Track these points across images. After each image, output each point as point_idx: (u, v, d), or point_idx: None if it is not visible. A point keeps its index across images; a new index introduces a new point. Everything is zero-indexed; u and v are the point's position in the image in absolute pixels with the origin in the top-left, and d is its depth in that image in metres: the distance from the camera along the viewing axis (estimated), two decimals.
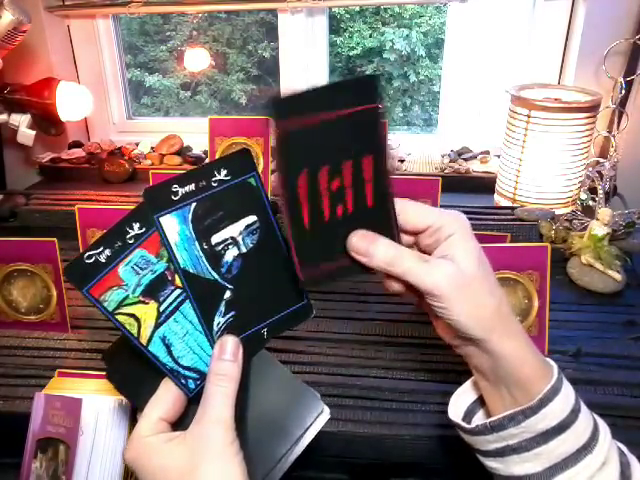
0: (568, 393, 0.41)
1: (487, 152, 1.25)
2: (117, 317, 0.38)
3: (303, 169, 0.37)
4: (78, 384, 0.57)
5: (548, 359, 0.43)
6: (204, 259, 0.39)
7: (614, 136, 1.04)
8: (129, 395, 0.43)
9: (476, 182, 1.16)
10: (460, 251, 0.40)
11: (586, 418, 0.41)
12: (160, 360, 0.39)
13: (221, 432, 0.37)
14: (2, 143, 1.19)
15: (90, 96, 1.16)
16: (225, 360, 0.39)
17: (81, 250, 0.81)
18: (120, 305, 0.38)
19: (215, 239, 0.39)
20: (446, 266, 0.39)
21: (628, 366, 0.66)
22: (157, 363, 0.39)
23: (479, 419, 0.46)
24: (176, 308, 0.39)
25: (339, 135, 0.37)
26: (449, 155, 1.24)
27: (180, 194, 0.38)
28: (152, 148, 1.32)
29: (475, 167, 1.19)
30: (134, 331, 0.38)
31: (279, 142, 0.36)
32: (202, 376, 0.40)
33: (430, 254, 0.41)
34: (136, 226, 0.38)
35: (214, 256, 0.40)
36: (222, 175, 0.39)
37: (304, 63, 1.30)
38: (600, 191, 0.90)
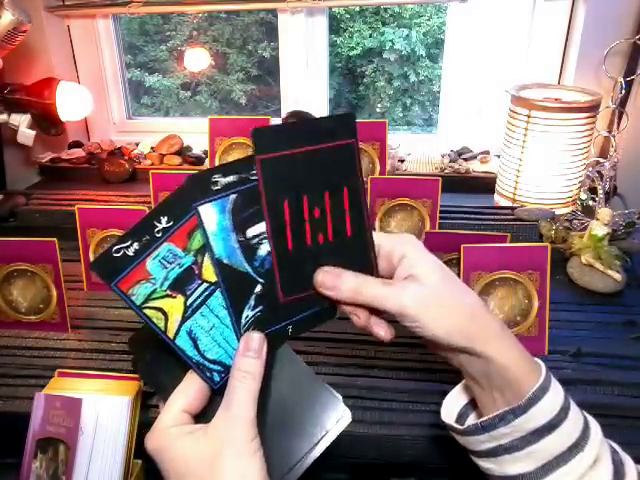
0: (557, 392, 0.42)
1: (487, 152, 1.25)
2: (145, 311, 0.38)
3: (285, 197, 0.39)
4: (78, 384, 0.57)
5: (536, 359, 0.43)
6: (240, 251, 0.40)
7: (614, 136, 1.04)
8: (153, 384, 0.43)
9: (476, 182, 1.16)
10: (418, 269, 0.41)
11: (576, 416, 0.42)
12: (186, 354, 0.39)
13: (243, 429, 0.37)
14: (2, 143, 1.19)
15: (90, 96, 1.16)
16: (249, 357, 0.39)
17: (81, 250, 0.81)
18: (148, 299, 0.38)
19: (250, 232, 0.40)
20: (410, 286, 0.40)
21: (628, 366, 0.66)
22: (183, 357, 0.39)
23: (472, 421, 0.47)
24: (203, 302, 0.39)
25: (318, 167, 0.40)
26: (449, 155, 1.24)
27: (221, 184, 0.38)
28: (152, 148, 1.32)
29: (475, 167, 1.19)
30: (161, 325, 0.38)
31: (260, 173, 0.38)
32: (227, 369, 0.40)
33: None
34: (164, 220, 0.38)
35: (249, 249, 0.40)
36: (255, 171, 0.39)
37: (304, 63, 1.30)
38: (600, 191, 0.90)
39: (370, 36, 2.58)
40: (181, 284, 0.39)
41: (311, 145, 0.39)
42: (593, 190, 0.96)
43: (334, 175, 0.40)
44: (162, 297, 0.38)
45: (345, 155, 0.40)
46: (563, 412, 0.41)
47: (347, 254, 0.42)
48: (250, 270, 0.40)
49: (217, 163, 0.97)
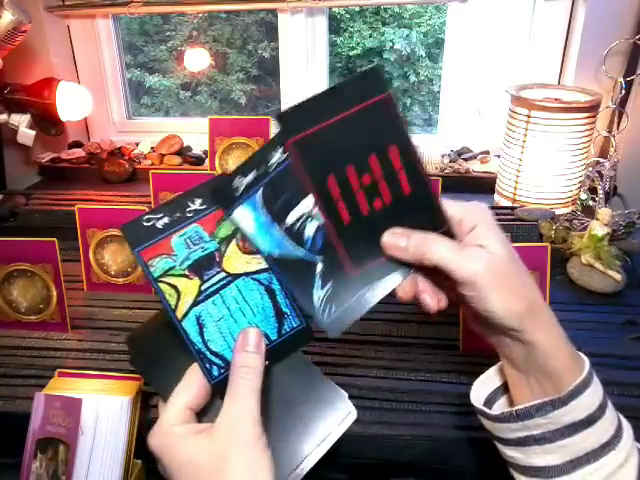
0: (597, 388, 0.41)
1: (487, 152, 1.25)
2: (160, 284, 0.38)
3: (329, 173, 0.38)
4: (78, 384, 0.57)
5: (580, 353, 0.42)
6: (287, 239, 0.39)
7: (614, 136, 1.04)
8: (152, 381, 0.43)
9: (476, 182, 1.16)
10: (490, 240, 0.39)
11: (612, 415, 0.41)
12: (190, 338, 0.39)
13: (248, 426, 0.37)
14: (2, 143, 1.19)
15: (90, 96, 1.16)
16: (249, 352, 0.39)
17: (81, 249, 0.81)
18: (165, 274, 0.38)
19: (291, 218, 0.39)
20: (482, 253, 0.38)
21: (628, 366, 0.66)
22: (186, 341, 0.39)
23: (500, 406, 0.46)
24: (217, 291, 0.40)
25: (355, 133, 0.37)
26: (449, 155, 1.24)
27: (244, 185, 0.39)
28: (152, 148, 1.32)
29: (475, 167, 1.19)
30: (172, 302, 0.39)
31: (297, 157, 0.37)
32: (227, 365, 0.40)
33: None
34: (198, 201, 0.39)
35: (295, 234, 0.39)
36: (277, 157, 0.38)
37: (304, 63, 1.30)
38: (600, 191, 0.90)
39: (370, 36, 2.58)
40: (200, 267, 0.39)
41: (342, 112, 0.37)
42: (593, 190, 0.96)
43: (375, 136, 0.38)
44: (179, 275, 0.39)
45: (381, 112, 0.37)
46: (601, 409, 0.40)
47: (411, 214, 0.39)
48: (303, 254, 0.40)
49: (217, 163, 0.97)
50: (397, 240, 0.39)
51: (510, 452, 0.43)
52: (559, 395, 0.39)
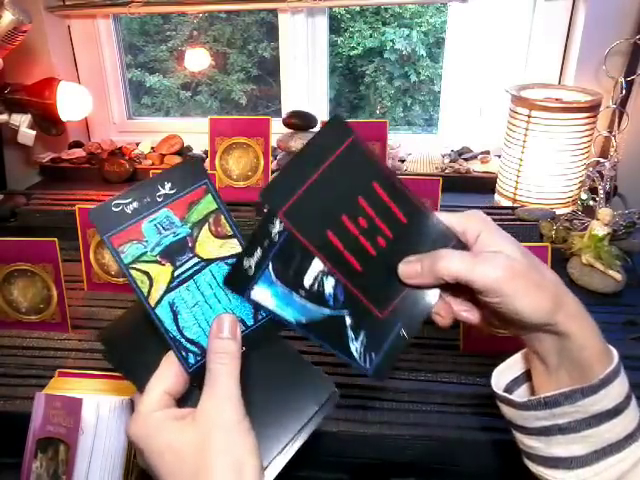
0: (625, 379, 0.41)
1: (487, 152, 1.25)
2: (131, 271, 0.38)
3: (326, 230, 0.39)
4: (78, 384, 0.57)
5: (607, 344, 0.42)
6: (309, 303, 0.40)
7: (614, 136, 1.04)
8: (128, 374, 0.42)
9: (476, 182, 1.16)
10: (500, 244, 0.39)
11: (635, 406, 0.41)
12: (164, 326, 0.38)
13: (230, 409, 0.36)
14: (2, 143, 1.19)
15: (90, 96, 1.16)
16: (224, 338, 0.38)
17: (81, 250, 0.81)
18: (136, 260, 0.38)
19: (307, 282, 0.39)
20: (497, 257, 0.38)
21: (628, 366, 0.65)
22: (161, 329, 0.38)
23: (521, 394, 0.45)
24: (191, 276, 0.39)
25: (337, 183, 0.38)
26: (449, 155, 1.24)
27: (254, 264, 0.39)
28: (152, 148, 1.32)
29: (475, 167, 1.19)
30: (145, 289, 0.38)
31: (289, 226, 0.38)
32: (203, 352, 0.39)
33: None
34: (167, 185, 0.38)
35: (316, 296, 0.40)
36: (277, 228, 0.38)
37: (304, 63, 1.30)
38: (600, 191, 0.90)
39: (370, 36, 2.58)
40: (172, 253, 0.39)
41: (318, 168, 0.38)
42: (593, 190, 0.96)
43: (355, 179, 0.39)
44: (151, 262, 0.38)
45: (353, 154, 0.39)
46: (628, 399, 0.40)
47: (416, 240, 0.40)
48: (329, 312, 0.40)
49: (217, 163, 0.97)
50: (412, 267, 0.40)
51: (530, 442, 0.43)
52: (590, 383, 0.39)
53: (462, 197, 1.08)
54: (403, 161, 1.24)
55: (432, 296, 0.41)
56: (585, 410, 0.39)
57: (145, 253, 0.38)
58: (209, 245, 0.40)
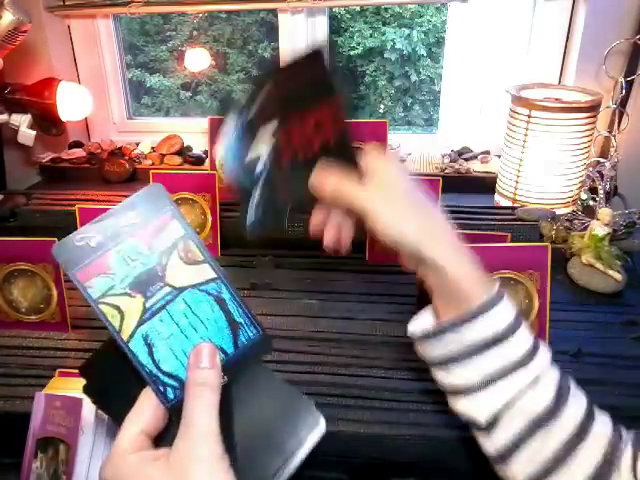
0: (507, 310, 0.45)
1: (487, 152, 1.25)
2: (100, 306, 0.36)
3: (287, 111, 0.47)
4: (78, 384, 0.57)
5: (495, 278, 0.48)
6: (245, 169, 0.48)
7: (614, 136, 1.04)
8: (106, 410, 0.41)
9: (476, 182, 1.16)
10: (387, 172, 0.47)
11: (524, 337, 0.45)
12: (139, 360, 0.37)
13: (209, 447, 0.34)
14: (2, 143, 1.19)
15: (90, 96, 1.16)
16: (202, 368, 0.37)
17: None
18: (105, 294, 0.36)
19: (252, 154, 0.48)
20: (375, 188, 0.46)
21: (628, 366, 0.66)
22: (136, 364, 0.37)
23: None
24: (163, 307, 0.37)
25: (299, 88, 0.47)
26: (449, 155, 1.24)
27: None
28: (152, 148, 1.32)
29: (476, 167, 1.19)
30: (116, 324, 0.36)
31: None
32: (182, 385, 0.37)
33: None
34: (132, 215, 0.37)
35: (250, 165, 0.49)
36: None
37: None
38: (600, 191, 0.90)
39: (371, 36, 2.58)
40: (142, 284, 0.37)
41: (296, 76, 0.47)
42: (594, 190, 0.96)
43: (310, 89, 0.47)
44: (121, 294, 0.36)
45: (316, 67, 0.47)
46: (509, 330, 0.45)
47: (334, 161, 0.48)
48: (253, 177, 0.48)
49: (217, 163, 0.97)
50: (320, 179, 0.48)
51: (439, 375, 0.49)
52: (467, 311, 0.44)
53: (462, 197, 1.08)
54: (403, 161, 1.24)
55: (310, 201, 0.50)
56: (468, 338, 0.45)
57: (113, 286, 0.36)
58: (180, 272, 0.38)
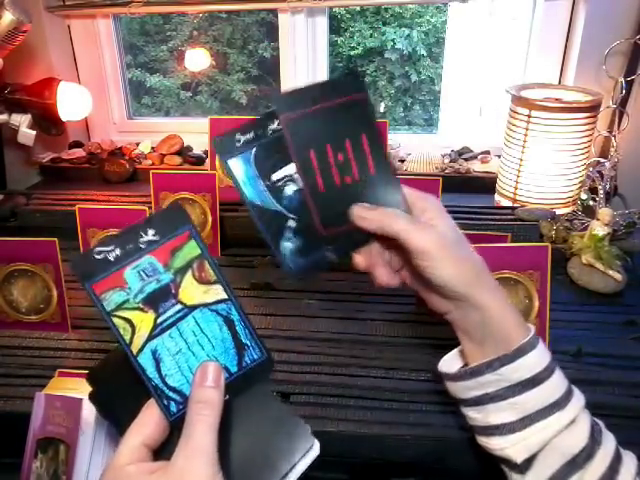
0: (544, 352, 0.46)
1: (487, 152, 1.25)
2: (113, 319, 0.37)
3: (311, 148, 0.45)
4: (78, 384, 0.57)
5: (528, 323, 0.48)
6: (268, 193, 0.46)
7: (615, 136, 1.04)
8: (111, 418, 0.41)
9: (476, 182, 1.16)
10: (438, 220, 0.46)
11: (560, 380, 0.46)
12: (147, 374, 0.38)
13: (204, 465, 0.35)
14: (2, 143, 1.19)
15: (90, 96, 1.16)
16: (207, 387, 0.37)
17: (81, 250, 0.81)
18: (118, 307, 0.37)
19: (275, 177, 0.46)
20: (432, 229, 0.45)
21: (628, 366, 0.66)
22: (143, 377, 0.38)
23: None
24: (174, 323, 0.39)
25: (336, 120, 0.46)
26: (449, 155, 1.24)
27: (242, 141, 0.45)
28: (152, 148, 1.32)
29: (476, 167, 1.19)
30: (127, 337, 0.38)
31: (285, 130, 0.45)
32: (186, 401, 0.38)
33: None
34: (151, 232, 0.38)
35: (276, 190, 0.46)
36: (274, 126, 0.45)
37: (305, 63, 1.30)
38: (601, 191, 0.90)
39: (371, 36, 2.58)
40: (155, 300, 0.38)
41: (326, 102, 0.45)
42: (594, 190, 0.96)
43: (351, 125, 0.46)
44: (133, 309, 0.38)
45: (358, 107, 0.46)
46: (547, 371, 0.45)
47: (375, 191, 0.47)
48: (280, 208, 0.46)
49: (218, 163, 0.97)
50: (364, 211, 0.46)
51: (471, 413, 0.48)
52: (506, 352, 0.45)
53: (462, 197, 1.08)
54: (403, 161, 1.24)
55: (366, 239, 0.48)
56: (507, 378, 0.45)
57: (127, 300, 0.38)
58: (193, 291, 0.39)
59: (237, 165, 0.45)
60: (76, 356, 0.70)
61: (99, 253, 0.37)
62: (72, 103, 1.11)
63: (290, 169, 0.46)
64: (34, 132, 1.10)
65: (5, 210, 1.03)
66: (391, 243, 0.47)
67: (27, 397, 0.62)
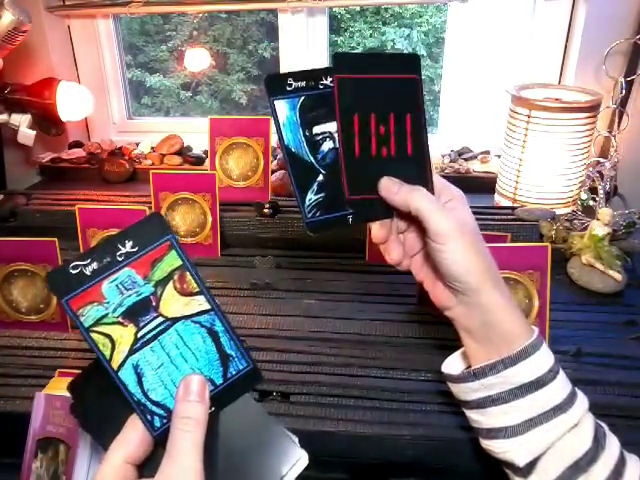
0: (548, 355, 0.46)
1: (487, 152, 1.25)
2: (92, 335, 0.36)
3: (356, 111, 0.46)
4: None
5: (532, 326, 0.48)
6: (305, 143, 0.47)
7: (614, 136, 1.04)
8: (92, 432, 0.40)
9: (476, 182, 1.16)
10: (461, 210, 0.48)
11: (564, 383, 0.46)
12: (128, 389, 0.37)
13: None
14: (2, 143, 1.19)
15: (90, 96, 1.16)
16: (191, 401, 0.36)
17: (81, 249, 0.81)
18: (97, 322, 0.36)
19: (316, 130, 0.47)
20: (455, 214, 0.46)
21: (628, 366, 0.66)
22: (125, 392, 0.37)
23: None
24: (155, 337, 0.37)
25: (386, 92, 0.47)
26: (449, 155, 1.24)
27: (293, 86, 0.46)
28: (152, 148, 1.31)
29: (475, 167, 1.19)
30: (107, 353, 0.36)
31: (336, 88, 0.46)
32: (170, 415, 0.37)
33: None
34: (129, 244, 0.37)
35: (313, 143, 0.47)
36: (329, 81, 0.46)
37: (305, 63, 1.30)
38: (600, 191, 0.90)
39: (371, 36, 2.58)
40: (135, 313, 0.37)
41: (382, 74, 0.47)
42: (593, 190, 0.95)
43: (399, 102, 0.47)
44: (112, 323, 0.36)
45: (409, 87, 0.47)
46: (551, 374, 0.45)
47: (407, 171, 0.48)
48: (313, 161, 0.47)
49: (217, 163, 0.97)
50: (392, 184, 0.47)
51: (474, 415, 0.48)
52: (509, 354, 0.44)
53: None
54: None
55: (388, 213, 0.49)
56: (509, 381, 0.44)
57: (106, 315, 0.36)
58: (174, 303, 0.38)
59: (282, 107, 0.46)
60: (76, 356, 0.70)
61: (75, 267, 0.36)
62: (72, 103, 1.11)
63: (331, 127, 0.47)
64: (34, 132, 1.10)
65: (5, 210, 1.03)
66: (411, 222, 0.48)
67: (27, 397, 0.62)
